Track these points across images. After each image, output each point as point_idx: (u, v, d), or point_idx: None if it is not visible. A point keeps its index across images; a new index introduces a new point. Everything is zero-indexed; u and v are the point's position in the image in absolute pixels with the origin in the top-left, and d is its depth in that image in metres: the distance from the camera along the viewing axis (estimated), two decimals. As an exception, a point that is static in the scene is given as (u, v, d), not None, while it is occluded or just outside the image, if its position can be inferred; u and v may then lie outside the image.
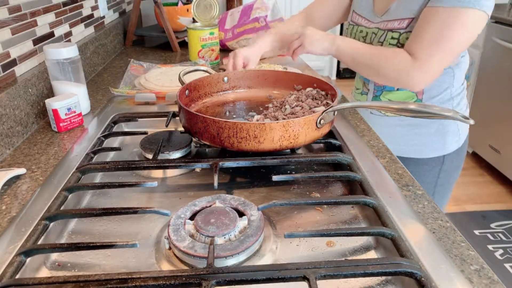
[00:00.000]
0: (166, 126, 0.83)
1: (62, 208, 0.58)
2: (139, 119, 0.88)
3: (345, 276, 0.44)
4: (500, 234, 2.00)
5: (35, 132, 0.86)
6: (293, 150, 0.72)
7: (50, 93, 0.95)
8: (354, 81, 1.13)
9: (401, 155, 0.98)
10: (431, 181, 1.02)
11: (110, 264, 0.52)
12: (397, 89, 0.96)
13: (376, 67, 0.87)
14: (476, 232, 2.02)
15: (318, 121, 0.68)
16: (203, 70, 0.95)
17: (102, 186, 0.62)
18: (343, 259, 0.52)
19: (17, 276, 0.46)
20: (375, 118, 1.02)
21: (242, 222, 0.54)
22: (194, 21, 1.49)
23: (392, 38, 0.89)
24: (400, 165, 0.71)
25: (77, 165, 0.69)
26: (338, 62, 4.13)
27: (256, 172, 0.72)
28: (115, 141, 0.85)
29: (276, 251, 0.53)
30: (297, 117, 0.75)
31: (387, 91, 0.97)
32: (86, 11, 1.30)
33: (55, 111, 0.83)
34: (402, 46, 0.88)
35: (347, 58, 0.91)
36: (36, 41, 0.96)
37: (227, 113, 0.86)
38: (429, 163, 1.01)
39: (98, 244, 0.49)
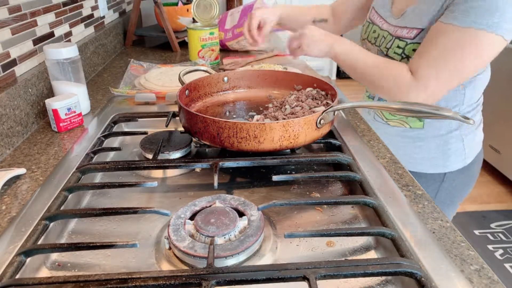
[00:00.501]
0: (166, 126, 0.83)
1: (62, 208, 0.58)
2: (139, 119, 0.88)
3: (345, 276, 0.44)
4: (500, 234, 2.00)
5: (35, 132, 0.86)
6: (293, 150, 0.72)
7: (50, 93, 0.95)
8: (354, 81, 1.12)
9: None
10: None
11: (110, 264, 0.52)
12: None
13: (372, 78, 0.84)
14: (476, 232, 2.02)
15: (318, 121, 0.68)
16: (203, 70, 0.95)
17: (102, 186, 0.62)
18: (343, 259, 0.52)
19: (17, 276, 0.46)
20: (377, 125, 1.00)
21: (242, 222, 0.54)
22: (194, 21, 1.49)
23: (398, 47, 0.86)
24: (400, 165, 0.71)
25: (77, 165, 0.69)
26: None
27: (256, 172, 0.72)
28: (115, 141, 0.85)
29: (276, 251, 0.53)
30: (297, 117, 0.75)
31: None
32: (86, 11, 1.30)
33: (55, 111, 0.83)
34: (406, 56, 0.85)
35: (344, 64, 0.88)
36: (36, 41, 0.96)
37: (227, 113, 0.86)
38: (428, 179, 0.96)
39: (98, 244, 0.49)
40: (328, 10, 1.15)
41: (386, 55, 0.90)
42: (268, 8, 1.04)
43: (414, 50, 0.84)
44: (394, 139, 0.97)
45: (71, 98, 0.86)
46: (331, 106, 0.70)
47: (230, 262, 0.49)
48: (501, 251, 1.88)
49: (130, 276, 0.43)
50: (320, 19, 1.11)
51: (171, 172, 0.72)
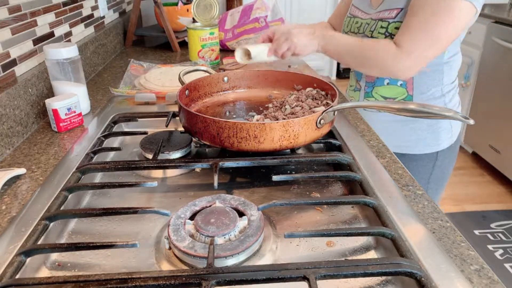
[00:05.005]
0: (166, 126, 0.83)
1: (62, 208, 0.58)
2: (139, 119, 0.88)
3: (345, 276, 0.44)
4: (500, 234, 2.00)
5: (35, 132, 0.86)
6: (293, 150, 0.72)
7: (50, 93, 0.95)
8: (353, 80, 1.13)
9: (395, 151, 0.97)
10: (424, 177, 1.03)
11: (110, 264, 0.52)
12: (387, 84, 0.97)
13: (361, 57, 0.89)
14: (476, 232, 2.02)
15: (318, 121, 0.68)
16: (203, 70, 0.95)
17: (102, 186, 0.62)
18: (343, 259, 0.52)
19: (17, 276, 0.46)
20: (368, 115, 1.02)
21: (242, 222, 0.54)
22: (194, 21, 1.49)
23: (381, 27, 0.92)
24: (400, 165, 0.71)
25: (77, 165, 0.69)
26: (338, 62, 4.12)
27: (256, 172, 0.72)
28: (115, 141, 0.85)
29: (276, 251, 0.53)
30: (297, 117, 0.75)
31: (377, 86, 0.98)
32: (86, 11, 1.30)
33: (55, 111, 0.83)
34: (390, 35, 0.90)
35: (334, 54, 0.93)
36: (36, 41, 0.96)
37: (227, 113, 0.86)
38: (423, 159, 1.01)
39: (98, 244, 0.49)
40: (328, 27, 1.19)
41: (371, 37, 0.94)
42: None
43: (396, 28, 0.89)
44: (388, 125, 1.01)
45: (71, 98, 0.86)
46: (331, 106, 0.70)
47: (230, 262, 0.49)
48: (501, 251, 1.88)
49: (130, 276, 0.43)
50: None
51: (171, 172, 0.72)
